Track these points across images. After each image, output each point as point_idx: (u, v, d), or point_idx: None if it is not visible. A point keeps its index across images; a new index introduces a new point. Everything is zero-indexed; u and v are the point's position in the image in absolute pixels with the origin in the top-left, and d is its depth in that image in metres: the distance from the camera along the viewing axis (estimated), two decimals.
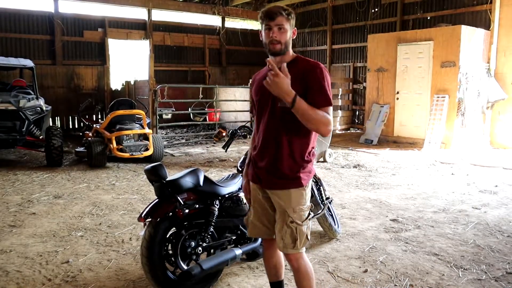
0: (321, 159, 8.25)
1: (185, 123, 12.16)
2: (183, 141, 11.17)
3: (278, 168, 2.39)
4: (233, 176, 3.50)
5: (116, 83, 14.01)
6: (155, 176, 2.96)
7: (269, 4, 15.05)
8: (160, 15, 14.39)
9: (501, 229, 4.53)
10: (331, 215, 4.21)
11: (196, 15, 14.97)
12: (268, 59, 2.22)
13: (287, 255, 2.49)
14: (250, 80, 2.70)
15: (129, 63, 16.29)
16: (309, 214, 2.46)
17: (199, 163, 8.36)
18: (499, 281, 3.33)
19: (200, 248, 3.05)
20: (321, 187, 4.07)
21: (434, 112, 9.67)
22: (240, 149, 9.62)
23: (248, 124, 5.27)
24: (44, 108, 8.17)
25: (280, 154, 2.38)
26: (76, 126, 12.92)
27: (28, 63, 8.53)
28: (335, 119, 12.91)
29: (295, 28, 2.42)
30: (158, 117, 9.75)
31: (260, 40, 2.48)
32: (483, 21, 10.52)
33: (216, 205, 3.14)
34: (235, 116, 12.15)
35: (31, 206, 5.36)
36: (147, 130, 8.13)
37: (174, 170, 7.37)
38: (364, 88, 12.84)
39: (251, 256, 3.38)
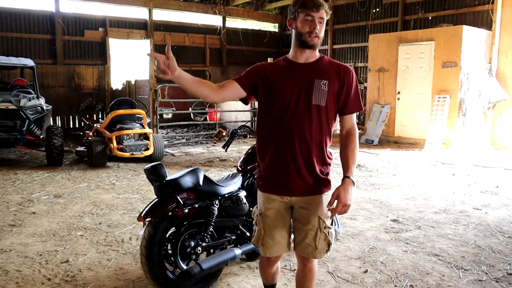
0: None
1: (185, 122, 12.16)
2: (184, 140, 11.17)
3: (313, 171, 2.28)
4: (233, 176, 3.49)
5: (116, 82, 14.02)
6: (155, 175, 2.95)
7: (270, 4, 15.05)
8: (161, 15, 14.38)
9: (502, 230, 4.51)
10: None
11: (197, 14, 14.96)
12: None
13: (308, 260, 2.40)
14: (257, 64, 2.36)
15: (129, 62, 16.27)
16: None
17: (200, 162, 8.36)
18: (499, 282, 3.31)
19: (199, 248, 3.05)
20: None
21: (435, 113, 9.65)
22: (240, 149, 9.61)
23: (248, 124, 5.25)
24: (44, 108, 8.17)
25: (313, 156, 2.27)
26: (77, 126, 12.92)
27: (29, 62, 8.53)
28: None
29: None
30: (158, 116, 9.74)
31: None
32: (485, 22, 10.50)
33: (215, 205, 3.14)
34: (235, 116, 12.14)
35: (31, 205, 5.36)
36: (147, 130, 8.13)
37: (175, 170, 7.36)
38: (365, 88, 12.81)
39: (250, 256, 3.37)
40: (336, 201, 2.18)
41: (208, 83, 2.25)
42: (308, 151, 2.26)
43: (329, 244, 2.34)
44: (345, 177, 2.22)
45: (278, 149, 2.28)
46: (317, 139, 2.27)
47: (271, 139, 2.29)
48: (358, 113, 3.08)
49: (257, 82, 2.30)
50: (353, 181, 2.21)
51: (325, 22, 2.23)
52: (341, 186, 2.19)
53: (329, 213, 2.25)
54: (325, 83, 2.23)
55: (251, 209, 3.25)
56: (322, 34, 2.23)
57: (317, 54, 2.31)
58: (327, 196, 2.30)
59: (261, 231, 2.39)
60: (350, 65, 14.00)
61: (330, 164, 2.37)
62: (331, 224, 2.39)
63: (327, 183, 2.33)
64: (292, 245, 2.47)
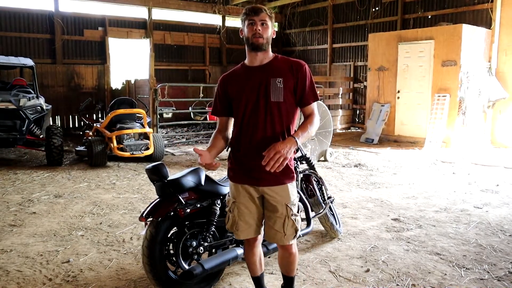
0: (322, 158, 8.23)
1: (185, 122, 12.14)
2: (184, 140, 11.16)
3: None
4: None
5: (116, 82, 13.99)
6: (157, 175, 2.94)
7: (269, 3, 15.06)
8: (161, 14, 14.36)
9: (503, 228, 4.51)
10: (333, 215, 4.20)
11: (196, 14, 14.94)
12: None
13: (284, 246, 2.61)
14: (219, 81, 2.66)
15: (129, 62, 16.27)
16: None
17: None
18: (501, 281, 3.31)
19: (201, 248, 3.04)
20: (323, 187, 4.06)
21: (435, 111, 9.65)
22: None
23: None
24: (44, 107, 8.16)
25: None
26: (77, 125, 12.90)
27: (28, 62, 8.52)
28: (335, 118, 12.90)
29: (275, 30, 2.55)
30: (158, 116, 9.72)
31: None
32: (484, 20, 10.49)
33: (217, 205, 3.13)
34: None
35: (32, 205, 5.35)
36: (147, 129, 8.12)
37: (175, 169, 7.35)
38: (365, 87, 12.81)
39: None
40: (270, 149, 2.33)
41: (220, 138, 2.63)
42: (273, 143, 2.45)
43: (296, 230, 2.56)
44: (290, 136, 2.41)
45: (247, 144, 2.50)
46: (281, 132, 2.48)
47: (241, 135, 2.53)
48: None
49: (228, 99, 2.59)
50: (296, 141, 2.36)
51: (269, 24, 2.45)
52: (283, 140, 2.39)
53: (296, 201, 2.57)
54: (280, 80, 2.46)
55: None
56: (267, 35, 2.45)
57: (270, 55, 2.53)
58: (292, 186, 2.56)
59: (235, 218, 2.60)
60: (349, 64, 14.01)
61: (294, 153, 2.57)
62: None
63: (291, 174, 2.55)
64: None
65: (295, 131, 2.50)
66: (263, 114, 2.46)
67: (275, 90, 2.45)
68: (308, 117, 2.56)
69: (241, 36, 2.52)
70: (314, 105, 2.57)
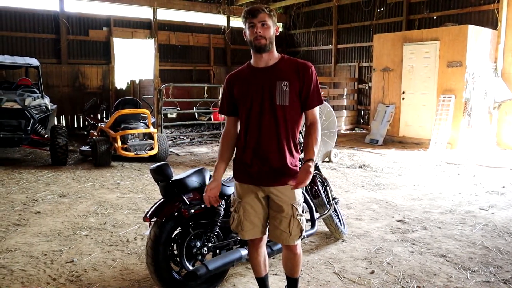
0: (327, 159, 8.21)
1: (190, 122, 12.14)
2: (188, 140, 11.16)
3: (283, 164, 2.49)
4: None
5: (121, 82, 14.01)
6: (161, 175, 2.94)
7: (274, 4, 15.05)
8: (165, 14, 14.38)
9: (509, 230, 4.48)
10: (337, 216, 4.18)
11: (201, 14, 14.95)
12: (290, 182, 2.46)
13: (289, 246, 2.61)
14: (225, 80, 2.65)
15: (134, 62, 16.28)
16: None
17: (204, 162, 8.35)
18: (508, 284, 3.28)
19: (205, 248, 3.03)
20: (328, 187, 4.05)
21: (440, 112, 9.60)
22: None
23: None
24: (49, 107, 8.18)
25: (282, 151, 2.49)
26: (81, 125, 12.94)
27: (34, 62, 8.55)
28: (340, 119, 12.86)
29: (278, 26, 2.52)
30: (163, 116, 9.73)
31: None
32: (490, 21, 10.43)
33: (222, 205, 3.12)
34: None
35: (36, 205, 5.36)
36: (152, 129, 8.12)
37: (179, 170, 7.35)
38: (370, 88, 12.77)
39: None
40: (295, 181, 2.42)
41: (228, 144, 2.62)
42: (278, 146, 2.48)
43: (301, 230, 2.56)
44: (306, 160, 2.42)
45: (252, 145, 2.50)
46: (286, 134, 2.49)
47: (246, 137, 2.53)
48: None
49: (234, 100, 2.58)
50: (312, 166, 2.41)
51: (270, 23, 2.42)
52: (302, 168, 2.42)
53: (301, 201, 2.58)
54: (286, 84, 2.43)
55: None
56: (270, 35, 2.42)
57: (276, 55, 2.51)
58: None
59: (241, 217, 2.59)
60: (354, 65, 13.98)
61: (298, 156, 2.59)
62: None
63: (297, 174, 2.51)
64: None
65: (308, 150, 2.46)
66: (268, 116, 2.45)
67: (280, 93, 2.43)
68: (311, 126, 2.52)
69: (245, 39, 2.51)
70: (317, 109, 2.54)
